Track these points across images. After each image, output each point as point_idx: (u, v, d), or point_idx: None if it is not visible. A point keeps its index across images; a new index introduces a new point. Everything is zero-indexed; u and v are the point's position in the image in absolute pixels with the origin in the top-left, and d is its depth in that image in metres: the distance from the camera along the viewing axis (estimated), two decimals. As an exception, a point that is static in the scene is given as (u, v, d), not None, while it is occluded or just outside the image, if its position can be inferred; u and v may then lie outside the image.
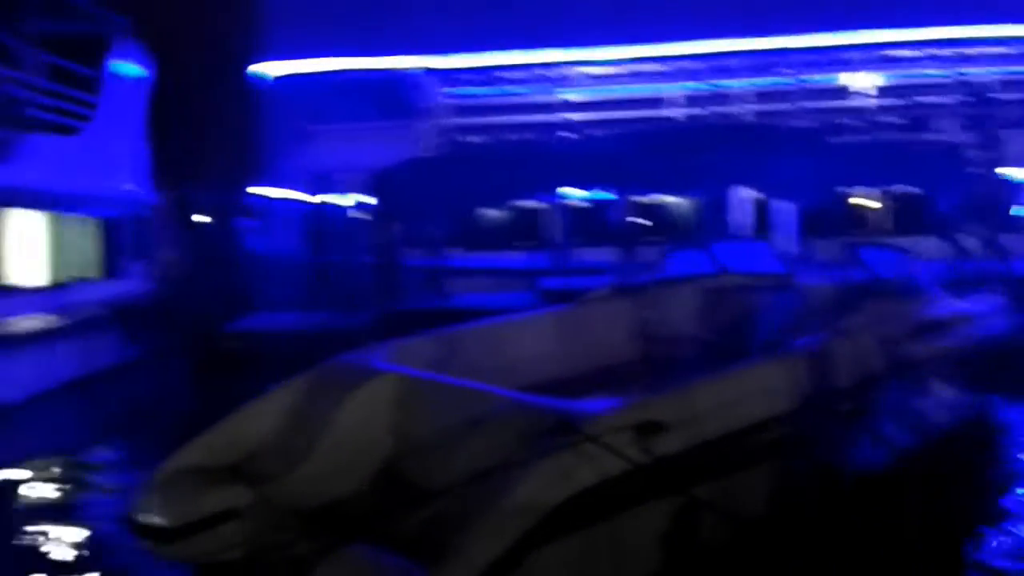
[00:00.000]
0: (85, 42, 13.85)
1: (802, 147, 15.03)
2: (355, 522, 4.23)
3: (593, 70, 25.26)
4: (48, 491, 7.36)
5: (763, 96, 25.03)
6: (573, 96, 25.35)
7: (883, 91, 25.05)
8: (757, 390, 4.90)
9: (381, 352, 5.72)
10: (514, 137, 23.89)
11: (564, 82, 25.20)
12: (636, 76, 25.77)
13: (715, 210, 18.35)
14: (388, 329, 10.60)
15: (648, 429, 4.11)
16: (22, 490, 7.37)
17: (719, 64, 24.43)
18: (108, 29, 14.28)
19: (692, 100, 25.08)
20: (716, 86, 24.65)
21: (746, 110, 24.99)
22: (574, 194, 18.79)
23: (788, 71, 24.54)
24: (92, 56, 13.80)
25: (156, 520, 4.48)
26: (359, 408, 4.94)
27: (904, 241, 11.88)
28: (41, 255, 12.19)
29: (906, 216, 19.90)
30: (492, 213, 20.95)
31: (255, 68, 24.37)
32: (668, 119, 25.39)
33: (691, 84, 25.21)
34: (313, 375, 5.43)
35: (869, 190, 21.56)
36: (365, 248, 15.55)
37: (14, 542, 6.12)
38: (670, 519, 4.27)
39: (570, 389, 5.01)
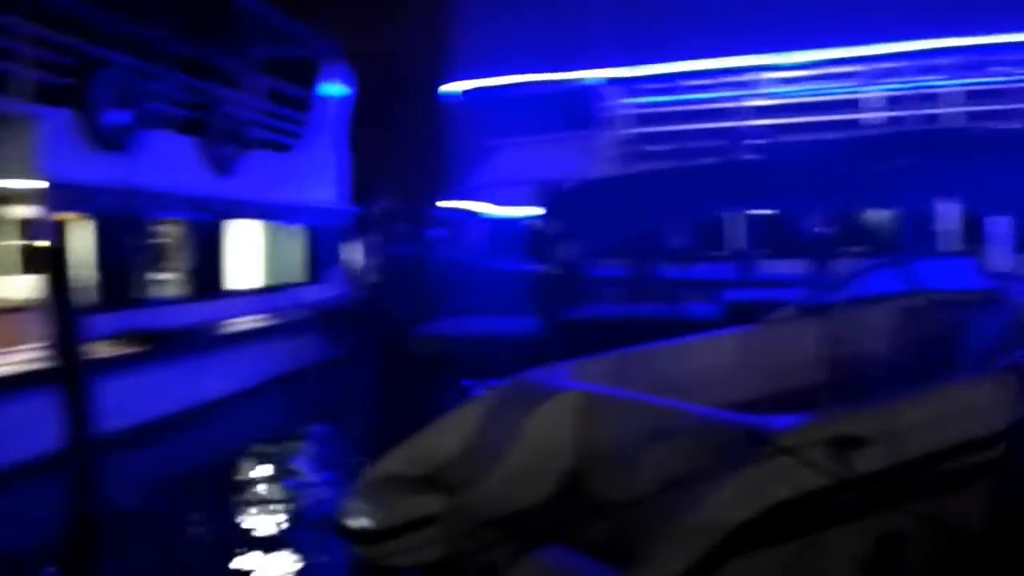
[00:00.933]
0: (298, 65, 15.11)
1: (1017, 152, 13.77)
2: (542, 530, 4.40)
3: (783, 74, 24.21)
4: (256, 479, 8.09)
5: (973, 97, 23.05)
6: (761, 102, 24.44)
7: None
8: (967, 408, 4.61)
9: (564, 370, 5.88)
10: (699, 145, 23.37)
11: (751, 87, 24.31)
12: (830, 79, 24.43)
13: (917, 222, 17.20)
14: (568, 337, 10.81)
15: (847, 444, 3.94)
16: (233, 477, 8.14)
17: (924, 63, 22.71)
18: (318, 53, 15.48)
19: (893, 103, 23.48)
20: (920, 87, 22.93)
21: (954, 112, 23.11)
22: (762, 203, 18.23)
23: (1003, 69, 22.47)
24: (304, 78, 15.04)
25: (361, 523, 4.87)
26: (544, 423, 5.12)
27: None
28: (257, 261, 13.40)
29: None
30: (677, 223, 20.68)
31: (446, 85, 25.40)
32: (866, 123, 23.94)
33: (892, 85, 23.60)
34: (500, 392, 5.69)
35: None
36: (548, 258, 15.84)
37: (223, 526, 6.80)
38: (871, 539, 4.09)
39: (755, 412, 4.94)
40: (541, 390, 5.36)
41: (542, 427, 5.08)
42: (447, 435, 5.40)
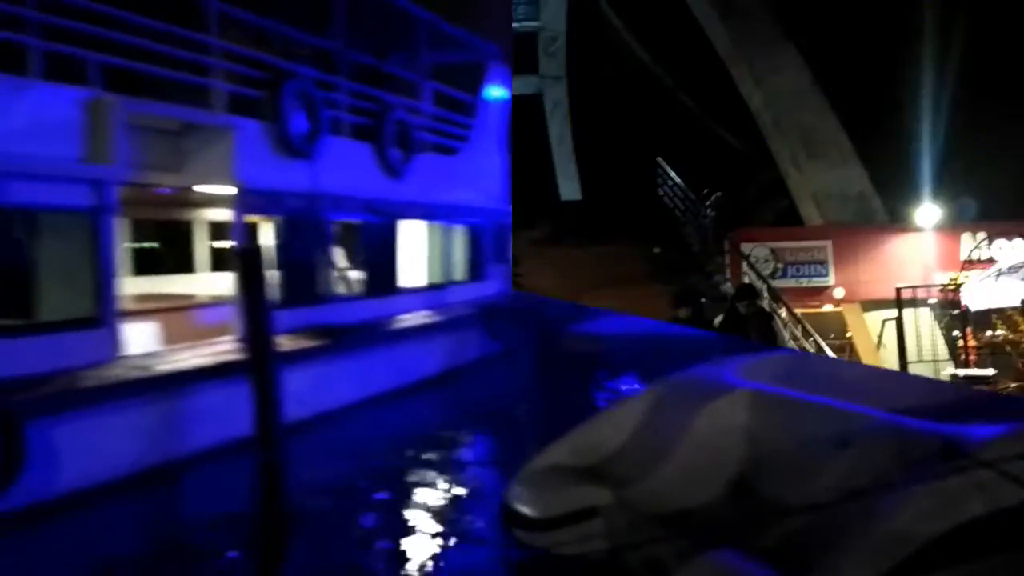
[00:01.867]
0: (464, 70, 15.51)
1: None
2: (709, 530, 4.35)
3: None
4: (426, 468, 8.41)
5: None
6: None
7: None
8: None
9: (732, 367, 5.76)
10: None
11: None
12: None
13: None
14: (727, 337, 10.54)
15: None
16: (405, 465, 8.49)
17: None
18: (483, 57, 15.84)
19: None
20: None
21: None
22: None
23: None
24: (470, 83, 15.42)
25: (526, 510, 4.98)
26: (714, 421, 5.03)
27: None
28: (424, 260, 13.90)
29: None
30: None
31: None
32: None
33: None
34: (667, 386, 5.64)
35: None
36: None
37: (397, 512, 7.13)
38: None
39: (934, 416, 4.67)
40: (710, 387, 5.29)
41: (712, 425, 5.01)
42: (612, 428, 5.43)
